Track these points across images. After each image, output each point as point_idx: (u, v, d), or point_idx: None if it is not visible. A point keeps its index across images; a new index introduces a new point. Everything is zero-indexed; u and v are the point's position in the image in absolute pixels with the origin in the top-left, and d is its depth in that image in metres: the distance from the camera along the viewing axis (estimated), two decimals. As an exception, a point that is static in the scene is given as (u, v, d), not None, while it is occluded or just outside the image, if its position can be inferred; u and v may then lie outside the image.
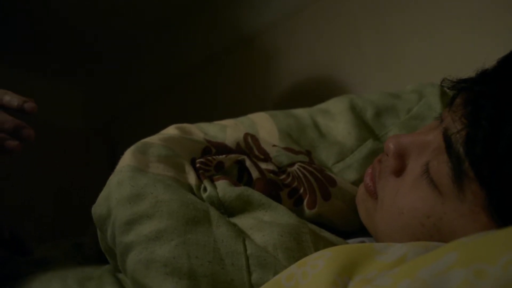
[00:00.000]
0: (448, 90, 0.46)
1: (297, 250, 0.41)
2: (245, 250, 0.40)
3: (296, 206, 0.50)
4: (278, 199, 0.49)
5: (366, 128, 0.59)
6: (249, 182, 0.50)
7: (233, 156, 0.51)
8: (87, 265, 0.56)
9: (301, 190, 0.50)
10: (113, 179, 0.47)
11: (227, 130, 0.56)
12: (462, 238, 0.30)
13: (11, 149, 0.54)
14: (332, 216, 0.51)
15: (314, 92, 1.49)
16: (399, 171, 0.44)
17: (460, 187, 0.38)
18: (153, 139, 0.51)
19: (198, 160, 0.50)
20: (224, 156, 0.51)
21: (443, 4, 1.17)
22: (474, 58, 1.09)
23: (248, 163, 0.51)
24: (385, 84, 1.26)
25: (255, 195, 0.47)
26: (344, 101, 0.62)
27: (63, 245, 0.65)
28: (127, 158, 0.48)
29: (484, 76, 0.41)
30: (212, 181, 0.48)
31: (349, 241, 0.48)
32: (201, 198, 0.46)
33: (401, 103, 0.61)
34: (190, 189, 0.47)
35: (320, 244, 0.43)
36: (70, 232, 0.87)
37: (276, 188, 0.50)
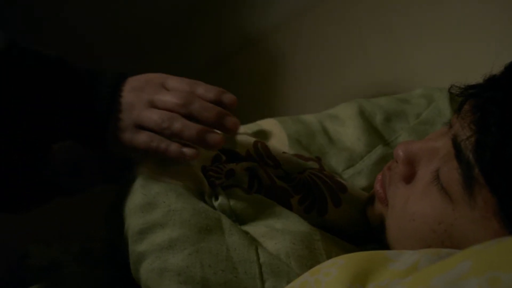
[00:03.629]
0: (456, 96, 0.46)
1: (309, 258, 0.42)
2: (258, 258, 0.41)
3: (307, 213, 0.50)
4: (288, 206, 0.49)
5: (376, 133, 0.59)
6: (260, 190, 0.50)
7: (243, 163, 0.52)
8: (98, 271, 0.57)
9: (312, 197, 0.51)
10: (125, 187, 0.47)
11: (236, 137, 0.56)
12: (475, 245, 0.30)
13: (213, 144, 0.46)
14: (343, 222, 0.51)
15: (320, 94, 1.49)
16: (409, 178, 0.45)
17: (470, 193, 0.38)
18: None
19: (208, 168, 0.50)
20: (234, 163, 0.52)
21: (449, 6, 1.17)
22: (479, 60, 1.09)
23: (258, 170, 0.51)
24: (391, 86, 1.26)
25: (266, 202, 0.47)
26: (353, 106, 0.62)
27: (72, 249, 0.65)
28: (139, 166, 0.48)
29: (492, 82, 0.41)
30: (223, 189, 0.48)
31: (361, 247, 0.48)
32: (213, 206, 0.47)
33: (410, 108, 0.62)
34: (201, 197, 0.47)
35: (332, 252, 0.43)
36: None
37: (286, 195, 0.50)
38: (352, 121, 0.60)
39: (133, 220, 0.44)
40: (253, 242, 0.43)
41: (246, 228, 0.45)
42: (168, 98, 0.47)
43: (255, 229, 0.45)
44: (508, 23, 1.04)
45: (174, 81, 0.50)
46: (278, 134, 0.59)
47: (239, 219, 0.46)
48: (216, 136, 0.46)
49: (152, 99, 0.48)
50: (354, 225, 0.52)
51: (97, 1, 1.30)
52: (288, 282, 0.39)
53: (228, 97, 0.49)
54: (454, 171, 0.40)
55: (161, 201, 0.45)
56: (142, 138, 0.47)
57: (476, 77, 0.46)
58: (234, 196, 0.47)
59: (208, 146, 0.46)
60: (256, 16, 1.70)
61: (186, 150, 0.46)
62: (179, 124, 0.46)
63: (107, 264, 0.58)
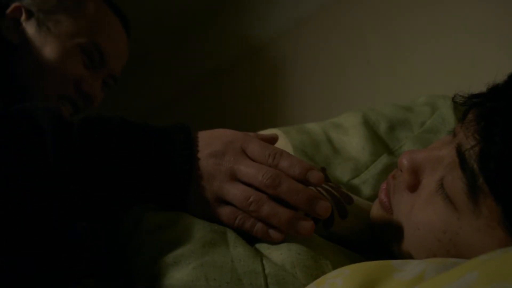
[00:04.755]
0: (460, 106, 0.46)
1: (315, 268, 0.41)
2: (263, 269, 0.41)
3: None
4: None
5: (380, 142, 0.59)
6: None
7: None
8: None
9: None
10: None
11: None
12: (481, 256, 0.30)
13: (304, 233, 0.43)
14: (349, 233, 0.51)
15: (322, 101, 1.50)
16: (414, 187, 0.45)
17: (475, 202, 0.38)
18: None
19: None
20: None
21: (450, 10, 1.17)
22: (480, 63, 1.09)
23: None
24: (393, 91, 1.26)
25: None
26: (357, 115, 0.62)
27: None
28: None
29: (495, 91, 0.41)
30: None
31: (366, 257, 0.48)
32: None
33: (414, 116, 0.62)
34: None
35: (337, 262, 0.43)
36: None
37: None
38: (357, 130, 0.60)
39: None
40: (258, 253, 0.43)
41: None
42: (252, 173, 0.44)
43: (261, 241, 0.45)
44: (508, 24, 1.05)
45: (255, 147, 0.46)
46: (284, 145, 0.58)
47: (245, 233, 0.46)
48: (307, 224, 0.43)
49: (233, 170, 0.45)
50: (359, 235, 0.52)
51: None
52: (294, 293, 0.39)
53: (315, 176, 0.44)
54: (458, 180, 0.40)
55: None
56: (225, 213, 0.45)
57: (475, 79, 0.46)
58: None
59: (297, 234, 0.43)
60: (259, 25, 1.71)
61: (273, 234, 0.43)
62: (267, 208, 0.43)
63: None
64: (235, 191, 0.44)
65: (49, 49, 0.80)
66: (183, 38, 1.87)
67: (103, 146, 0.44)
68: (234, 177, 0.45)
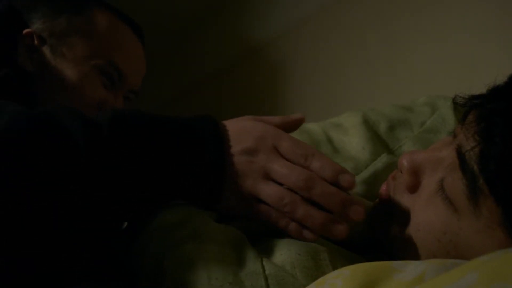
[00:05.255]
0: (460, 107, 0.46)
1: (315, 269, 0.42)
2: (264, 270, 0.41)
3: None
4: None
5: (380, 142, 0.59)
6: None
7: None
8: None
9: None
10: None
11: None
12: (481, 257, 0.30)
13: (338, 235, 0.43)
14: (349, 233, 0.51)
15: (321, 102, 1.50)
16: (414, 188, 0.45)
17: (475, 203, 0.39)
18: None
19: None
20: None
21: (450, 10, 1.17)
22: (480, 64, 1.09)
23: None
24: (392, 91, 1.26)
25: None
26: (357, 115, 0.62)
27: None
28: None
29: (496, 92, 0.41)
30: None
31: (366, 257, 0.48)
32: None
33: (414, 116, 0.62)
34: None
35: (338, 263, 0.43)
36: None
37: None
38: (357, 130, 0.60)
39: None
40: (259, 254, 0.43)
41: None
42: (286, 173, 0.44)
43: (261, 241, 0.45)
44: (508, 25, 1.05)
45: (287, 145, 0.46)
46: None
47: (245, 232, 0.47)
48: (340, 228, 0.43)
49: (267, 169, 0.45)
50: (359, 235, 0.52)
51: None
52: (294, 293, 0.39)
53: (347, 180, 0.44)
54: (458, 181, 0.40)
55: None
56: (260, 211, 0.45)
57: (474, 78, 0.46)
58: None
59: (331, 236, 0.44)
60: (259, 25, 1.71)
61: (307, 234, 0.44)
62: (301, 210, 0.43)
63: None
64: (269, 191, 0.44)
65: (66, 76, 0.77)
66: (183, 38, 1.87)
67: (134, 145, 0.43)
68: (267, 176, 0.45)
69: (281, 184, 0.44)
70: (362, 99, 1.36)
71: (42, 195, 0.40)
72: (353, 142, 0.59)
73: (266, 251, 0.44)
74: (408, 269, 0.36)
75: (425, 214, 0.43)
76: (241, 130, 0.47)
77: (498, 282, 0.26)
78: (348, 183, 0.44)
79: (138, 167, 0.43)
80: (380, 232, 0.49)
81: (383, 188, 0.49)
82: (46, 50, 0.78)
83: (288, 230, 0.44)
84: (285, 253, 0.43)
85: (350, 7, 1.42)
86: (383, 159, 0.57)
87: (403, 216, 0.45)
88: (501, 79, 0.42)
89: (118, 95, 0.83)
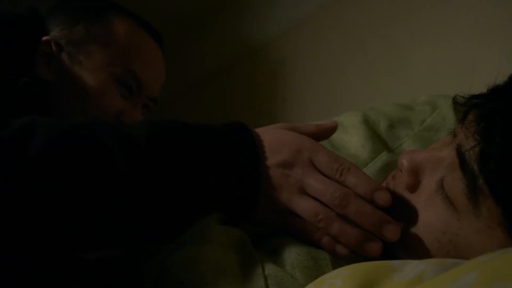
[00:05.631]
0: (460, 106, 0.46)
1: (315, 269, 0.42)
2: (263, 270, 0.41)
3: None
4: None
5: (380, 141, 0.59)
6: None
7: None
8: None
9: None
10: None
11: None
12: (480, 256, 0.30)
13: (371, 254, 0.43)
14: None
15: (321, 102, 1.50)
16: (414, 187, 0.45)
17: (475, 203, 0.38)
18: None
19: None
20: None
21: (450, 11, 1.17)
22: (480, 64, 1.09)
23: None
24: (392, 91, 1.26)
25: None
26: (357, 115, 0.62)
27: None
28: None
29: (496, 92, 0.41)
30: None
31: (365, 257, 0.48)
32: None
33: (414, 115, 0.62)
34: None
35: (337, 263, 0.43)
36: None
37: None
38: (356, 129, 0.60)
39: None
40: (260, 255, 0.43)
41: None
42: (321, 189, 0.44)
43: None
44: (508, 26, 1.05)
45: (323, 159, 0.46)
46: None
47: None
48: (375, 246, 0.43)
49: (302, 184, 0.45)
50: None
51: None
52: (293, 293, 0.39)
53: (382, 197, 0.43)
54: (458, 181, 0.40)
55: None
56: (294, 223, 0.45)
57: (476, 80, 0.46)
58: None
59: (364, 254, 0.44)
60: (259, 25, 1.71)
61: (340, 250, 0.44)
62: (336, 227, 0.43)
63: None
64: (304, 206, 0.44)
65: (83, 84, 0.76)
66: (183, 38, 1.87)
67: (172, 160, 0.43)
68: (303, 191, 0.45)
69: (316, 199, 0.45)
70: (362, 99, 1.36)
71: (83, 213, 0.40)
72: (352, 141, 0.59)
73: (267, 252, 0.44)
74: (407, 269, 0.35)
75: (425, 214, 0.43)
76: (277, 142, 0.47)
77: (498, 282, 0.26)
78: (383, 201, 0.43)
79: (176, 182, 0.43)
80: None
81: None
82: (63, 58, 0.77)
83: (321, 243, 0.44)
84: (285, 254, 0.43)
85: (350, 7, 1.42)
86: (383, 157, 0.57)
87: (402, 215, 0.45)
88: (501, 79, 0.42)
89: (137, 104, 0.81)
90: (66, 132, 0.41)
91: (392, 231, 0.43)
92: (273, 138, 0.48)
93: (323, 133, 0.52)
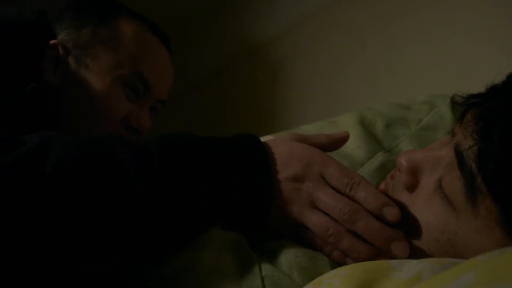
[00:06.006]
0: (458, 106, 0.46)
1: (313, 270, 0.41)
2: (260, 271, 0.41)
3: None
4: None
5: (376, 142, 0.59)
6: None
7: None
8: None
9: None
10: None
11: None
12: (479, 256, 0.30)
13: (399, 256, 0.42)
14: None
15: (320, 101, 1.50)
16: (412, 187, 0.45)
17: (473, 202, 0.38)
18: None
19: None
20: None
21: (449, 11, 1.17)
22: (479, 64, 1.09)
23: None
24: (391, 91, 1.26)
25: None
26: (353, 115, 0.62)
27: None
28: None
29: (494, 92, 0.41)
30: None
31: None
32: None
33: (411, 114, 0.61)
34: None
35: (336, 264, 0.43)
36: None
37: None
38: (352, 130, 0.60)
39: None
40: (258, 256, 0.43)
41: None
42: (331, 204, 0.44)
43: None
44: (506, 25, 1.05)
45: (334, 173, 0.46)
46: None
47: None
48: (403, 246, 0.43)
49: (313, 198, 0.45)
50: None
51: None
52: (291, 294, 0.39)
53: (391, 213, 0.43)
54: (456, 180, 0.40)
55: None
56: (305, 236, 0.46)
57: (475, 79, 0.46)
58: None
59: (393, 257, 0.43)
60: (259, 25, 1.71)
61: (350, 263, 0.44)
62: (346, 242, 0.44)
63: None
64: (315, 220, 0.45)
65: (90, 88, 0.75)
66: (183, 38, 1.87)
67: (185, 175, 0.44)
68: (313, 205, 0.45)
69: (326, 213, 0.45)
70: (362, 99, 1.36)
71: (97, 228, 0.40)
72: (348, 142, 0.59)
73: (265, 254, 0.44)
74: (406, 268, 0.35)
75: (424, 214, 0.43)
76: (288, 155, 0.47)
77: (497, 281, 0.26)
78: (393, 216, 0.43)
79: (188, 196, 0.44)
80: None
81: (381, 187, 0.49)
82: (70, 61, 0.76)
83: (332, 257, 0.45)
84: (282, 255, 0.43)
85: (350, 7, 1.42)
86: (380, 157, 0.57)
87: (401, 215, 0.45)
88: (499, 78, 0.42)
89: (144, 107, 0.81)
90: (81, 149, 0.41)
91: (401, 249, 0.42)
92: (284, 151, 0.48)
93: (334, 144, 0.52)
